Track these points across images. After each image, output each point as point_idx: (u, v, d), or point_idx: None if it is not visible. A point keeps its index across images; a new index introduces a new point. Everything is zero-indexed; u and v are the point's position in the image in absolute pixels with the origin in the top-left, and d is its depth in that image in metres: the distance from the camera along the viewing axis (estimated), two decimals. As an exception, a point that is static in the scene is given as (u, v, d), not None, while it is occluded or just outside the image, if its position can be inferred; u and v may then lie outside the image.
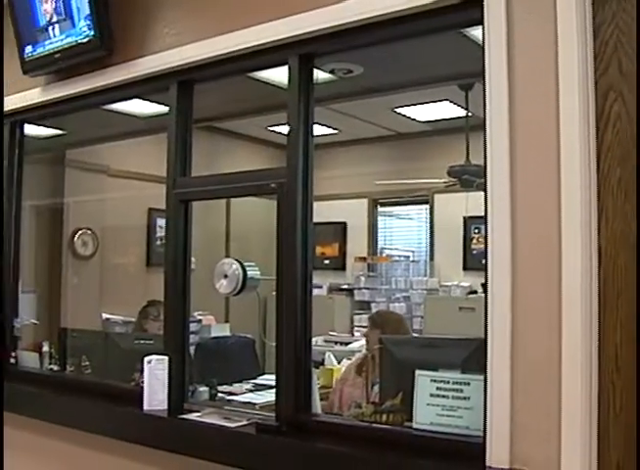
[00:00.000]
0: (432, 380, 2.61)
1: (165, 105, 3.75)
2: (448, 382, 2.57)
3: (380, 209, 8.42)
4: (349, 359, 4.73)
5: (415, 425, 2.60)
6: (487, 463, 2.28)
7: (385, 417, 2.73)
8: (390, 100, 6.19)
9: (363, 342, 5.93)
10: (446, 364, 2.65)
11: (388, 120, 7.34)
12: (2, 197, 4.27)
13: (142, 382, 3.34)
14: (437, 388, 2.59)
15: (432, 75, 4.24)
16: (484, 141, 2.38)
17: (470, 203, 6.73)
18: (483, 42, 2.40)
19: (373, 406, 2.82)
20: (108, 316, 5.00)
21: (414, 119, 7.19)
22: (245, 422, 2.98)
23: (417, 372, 2.64)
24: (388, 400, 2.77)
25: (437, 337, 3.52)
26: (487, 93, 2.37)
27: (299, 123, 2.90)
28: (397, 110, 6.83)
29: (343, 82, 4.33)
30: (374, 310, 7.69)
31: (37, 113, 4.26)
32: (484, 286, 2.37)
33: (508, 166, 2.30)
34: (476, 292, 7.30)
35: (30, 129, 4.58)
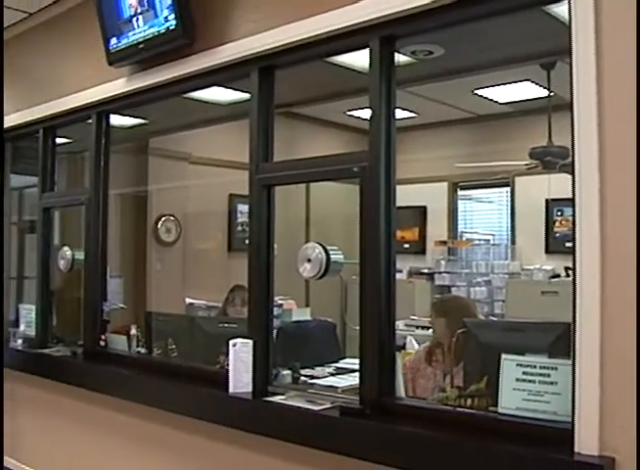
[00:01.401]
0: (518, 364, 2.56)
1: (244, 92, 3.79)
2: (535, 366, 2.52)
3: (460, 192, 8.32)
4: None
5: (500, 410, 2.56)
6: (576, 450, 2.24)
7: (469, 401, 2.71)
8: (471, 82, 6.09)
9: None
10: (532, 348, 2.60)
11: (469, 103, 7.24)
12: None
13: (227, 365, 3.40)
14: (524, 372, 2.54)
15: (513, 55, 4.15)
16: (572, 121, 2.32)
17: (552, 185, 6.59)
18: (570, 19, 2.33)
19: (457, 391, 2.80)
20: (191, 301, 5.09)
21: (494, 101, 7.07)
22: (328, 405, 2.99)
23: (503, 356, 2.60)
24: (473, 385, 2.75)
25: (523, 321, 3.45)
26: (574, 72, 2.31)
27: (381, 106, 2.88)
28: (477, 91, 6.73)
29: (423, 65, 4.29)
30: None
31: (122, 103, 4.36)
32: (570, 269, 2.32)
33: (596, 147, 2.24)
34: (559, 276, 7.15)
35: (115, 120, 4.69)
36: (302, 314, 4.89)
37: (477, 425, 2.58)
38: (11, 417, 5.07)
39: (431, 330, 5.96)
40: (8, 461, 5.12)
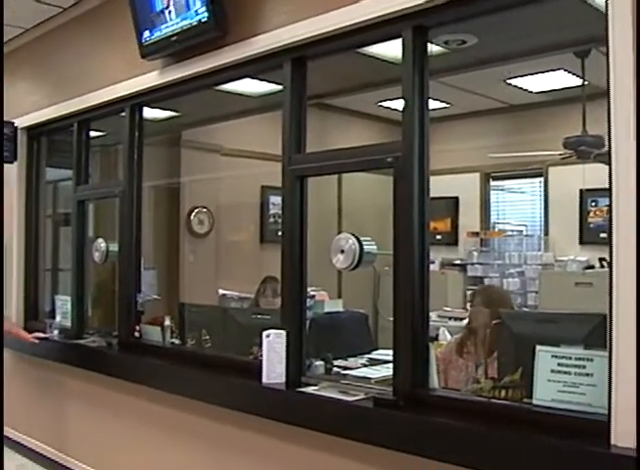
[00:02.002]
0: (553, 356, 2.54)
1: (276, 83, 3.79)
2: (570, 358, 2.50)
3: (492, 183, 8.26)
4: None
5: (535, 401, 2.54)
6: (612, 442, 2.22)
7: (503, 393, 2.70)
8: (503, 71, 6.04)
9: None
10: (567, 340, 2.58)
11: (501, 92, 7.18)
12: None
13: (261, 355, 3.41)
14: (559, 364, 2.52)
15: (546, 43, 4.11)
16: (608, 110, 2.28)
17: (587, 175, 6.51)
18: (606, 5, 2.30)
19: (492, 382, 2.79)
20: (224, 292, 5.11)
21: (527, 90, 7.00)
22: (362, 396, 3.00)
23: (537, 347, 2.58)
24: (507, 376, 2.73)
25: (558, 312, 3.41)
26: (610, 59, 2.27)
27: (414, 97, 2.87)
28: (510, 81, 6.66)
29: (456, 55, 4.26)
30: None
31: (155, 95, 4.39)
32: (604, 260, 2.29)
33: (633, 135, 2.20)
34: (593, 267, 7.07)
35: (148, 112, 4.72)
36: (335, 306, 4.88)
37: (511, 416, 2.56)
38: (48, 405, 5.15)
39: (464, 321, 5.96)
40: (40, 447, 5.21)
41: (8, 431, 4.99)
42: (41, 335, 4.86)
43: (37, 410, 5.19)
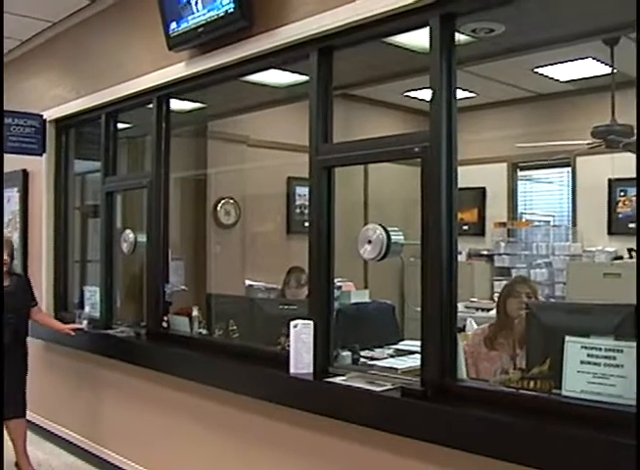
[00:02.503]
0: (582, 347, 2.52)
1: (301, 74, 3.78)
2: (600, 349, 2.48)
3: (519, 173, 8.20)
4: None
5: (564, 392, 2.53)
6: (644, 433, 2.20)
7: (532, 384, 2.68)
8: (530, 60, 5.98)
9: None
10: (597, 331, 2.56)
11: (528, 82, 7.11)
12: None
13: (288, 346, 3.42)
14: (589, 355, 2.50)
15: (575, 31, 4.05)
16: (637, 98, 2.26)
17: (615, 164, 6.44)
18: (637, -8, 2.27)
19: (520, 373, 2.77)
20: (251, 283, 5.14)
21: (555, 79, 6.92)
22: (389, 386, 3.00)
23: (567, 338, 2.56)
24: (536, 367, 2.72)
25: (587, 302, 3.38)
26: (642, 46, 2.25)
27: (442, 86, 2.85)
28: (538, 70, 6.60)
29: (483, 44, 4.22)
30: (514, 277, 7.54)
31: (182, 86, 4.42)
32: (633, 251, 2.27)
33: (665, 124, 2.18)
34: (621, 257, 6.99)
35: (175, 104, 4.74)
36: (361, 296, 4.88)
37: (540, 408, 2.55)
38: (77, 394, 5.21)
39: (492, 311, 5.93)
40: (71, 436, 5.27)
41: (41, 420, 5.06)
42: (77, 326, 4.90)
43: (67, 399, 5.25)
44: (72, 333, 4.79)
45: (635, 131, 2.18)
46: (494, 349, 3.64)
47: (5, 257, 4.64)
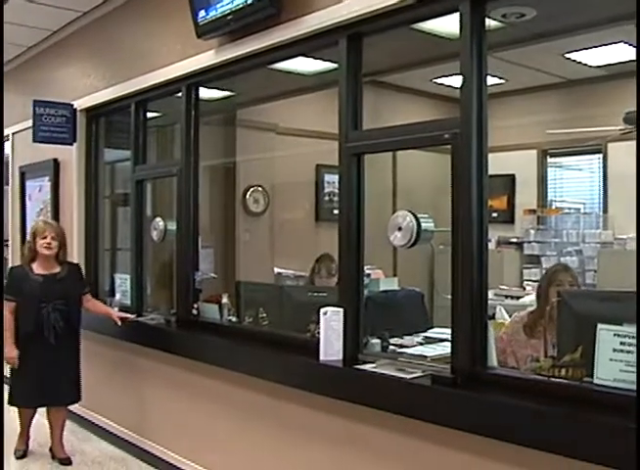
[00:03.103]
0: (615, 334, 2.50)
1: (329, 61, 3.76)
2: (633, 337, 2.45)
3: (549, 159, 8.12)
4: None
5: (596, 380, 2.51)
6: (678, 423, 2.18)
7: (563, 372, 2.66)
8: (561, 45, 5.90)
9: (534, 296, 5.78)
10: (629, 318, 2.53)
11: (559, 67, 7.02)
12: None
13: (318, 333, 3.43)
14: (621, 343, 2.47)
15: (606, 15, 4.00)
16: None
17: (648, 151, 6.33)
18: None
19: (551, 360, 2.76)
20: (279, 271, 5.15)
21: (586, 65, 6.83)
22: (419, 374, 2.99)
23: (599, 326, 2.53)
24: (567, 355, 2.69)
25: (619, 290, 3.34)
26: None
27: (472, 72, 2.82)
28: (568, 55, 6.51)
29: (512, 29, 4.18)
30: (544, 264, 7.51)
31: (211, 75, 4.43)
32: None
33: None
34: (654, 245, 6.90)
35: (204, 93, 4.74)
36: (390, 284, 4.87)
37: (571, 396, 2.53)
38: (110, 381, 5.27)
39: (522, 300, 5.91)
40: (103, 422, 5.33)
41: (75, 407, 5.12)
42: (125, 315, 4.86)
43: (100, 386, 5.31)
44: (119, 322, 4.76)
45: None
46: (534, 336, 3.61)
47: (53, 243, 4.67)
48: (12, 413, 4.74)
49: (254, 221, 6.36)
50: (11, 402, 4.74)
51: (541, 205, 8.06)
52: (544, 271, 7.17)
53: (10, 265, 6.87)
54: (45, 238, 4.66)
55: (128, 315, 4.87)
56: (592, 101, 7.19)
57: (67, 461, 4.83)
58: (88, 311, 4.92)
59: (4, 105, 3.99)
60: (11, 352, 4.59)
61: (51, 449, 4.89)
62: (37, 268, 4.70)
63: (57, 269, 4.74)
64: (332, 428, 3.41)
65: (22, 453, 4.89)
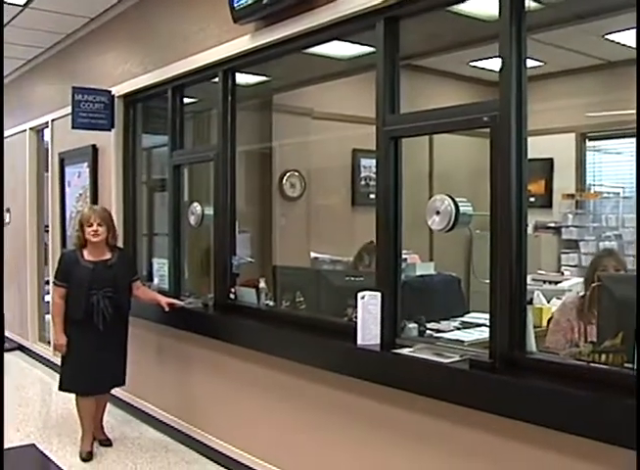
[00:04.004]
0: (656, 320, 2.47)
1: (365, 45, 3.72)
2: (676, 322, 2.42)
3: (588, 143, 7.99)
4: (559, 299, 4.59)
5: (637, 366, 2.48)
6: None
7: (603, 357, 2.64)
8: (600, 26, 5.80)
9: (573, 281, 5.73)
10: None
11: (598, 48, 6.89)
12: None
13: (355, 317, 3.44)
14: (663, 328, 2.44)
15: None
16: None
17: (691, 133, 6.22)
18: None
19: (591, 346, 2.74)
20: (316, 255, 5.15)
21: (626, 46, 6.71)
22: (457, 358, 2.99)
23: (640, 311, 2.50)
24: (608, 340, 2.67)
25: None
26: None
27: (512, 54, 2.79)
28: (608, 36, 6.40)
29: (551, 10, 4.12)
30: (583, 249, 7.42)
31: (247, 59, 4.43)
32: None
33: None
34: (696, 229, 6.78)
35: (240, 78, 4.75)
36: (426, 269, 4.86)
37: (611, 381, 2.51)
38: (151, 364, 5.34)
39: (560, 285, 5.85)
40: (142, 404, 5.40)
41: (116, 390, 5.20)
42: (174, 301, 4.83)
43: (141, 370, 5.37)
44: (167, 308, 4.75)
45: None
46: (583, 321, 3.58)
47: (99, 229, 4.66)
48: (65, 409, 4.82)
49: (291, 206, 6.37)
50: (60, 388, 4.78)
51: (580, 189, 7.95)
52: (583, 256, 7.13)
53: (51, 252, 7.02)
54: (91, 225, 4.64)
55: (176, 301, 4.84)
56: (632, 83, 7.04)
57: (107, 443, 4.91)
58: (138, 299, 4.89)
59: (45, 93, 4.03)
60: (60, 338, 4.62)
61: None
62: (88, 255, 4.69)
63: (107, 256, 4.72)
64: (369, 411, 3.43)
65: (88, 456, 4.69)
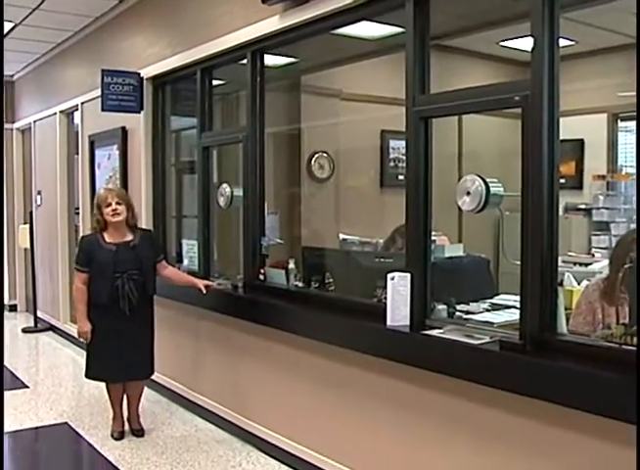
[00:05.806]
0: (690, 302, 2.44)
1: (394, 25, 3.68)
2: None
3: (620, 124, 7.87)
4: (589, 281, 4.54)
5: (669, 349, 2.46)
6: None
7: (635, 340, 2.61)
8: (634, 3, 5.70)
9: (604, 263, 5.66)
10: None
11: (631, 27, 6.77)
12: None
13: (384, 298, 3.44)
14: (696, 311, 2.42)
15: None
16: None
17: None
18: None
19: (623, 328, 2.71)
20: (344, 236, 5.14)
21: (661, 24, 6.59)
22: (487, 340, 2.98)
23: (674, 293, 2.48)
24: (641, 322, 2.64)
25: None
26: None
27: (544, 33, 2.75)
28: (642, 14, 6.29)
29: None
30: (614, 231, 7.33)
31: (275, 40, 4.42)
32: None
33: None
34: None
35: (268, 59, 4.74)
36: (455, 250, 4.82)
37: (642, 364, 2.49)
38: (181, 346, 5.39)
39: (591, 266, 5.78)
40: (171, 384, 5.46)
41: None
42: (209, 283, 4.75)
43: (171, 351, 5.43)
44: (204, 291, 4.61)
45: None
46: (613, 303, 3.53)
47: (119, 208, 4.54)
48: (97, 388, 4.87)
49: (320, 187, 6.36)
50: (87, 375, 4.71)
51: (611, 170, 7.84)
52: (614, 238, 7.03)
53: (81, 234, 7.07)
54: (110, 205, 4.51)
55: (212, 283, 4.77)
56: (666, 62, 6.94)
57: (139, 433, 4.82)
58: (170, 280, 4.81)
59: (72, 77, 4.05)
60: (84, 325, 4.52)
61: (128, 420, 4.88)
62: (109, 237, 4.56)
63: (129, 237, 4.60)
64: (399, 393, 3.44)
65: (119, 435, 4.74)
